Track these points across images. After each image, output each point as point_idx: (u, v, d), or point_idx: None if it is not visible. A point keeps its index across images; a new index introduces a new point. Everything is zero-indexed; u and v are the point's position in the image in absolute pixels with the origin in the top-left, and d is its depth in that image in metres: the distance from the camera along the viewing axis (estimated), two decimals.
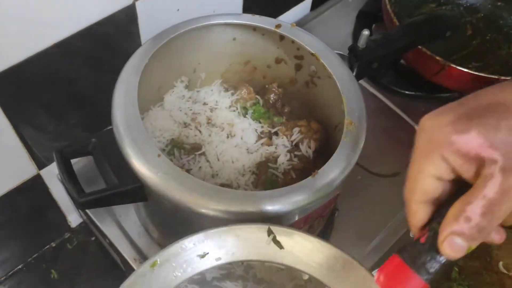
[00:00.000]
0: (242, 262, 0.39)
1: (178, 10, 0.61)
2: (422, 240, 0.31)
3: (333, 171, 0.44)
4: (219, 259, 0.39)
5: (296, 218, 0.45)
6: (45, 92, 0.54)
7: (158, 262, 0.37)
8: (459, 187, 0.31)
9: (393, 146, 0.71)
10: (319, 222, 0.51)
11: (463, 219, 0.28)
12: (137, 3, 0.55)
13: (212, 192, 0.42)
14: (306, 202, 0.43)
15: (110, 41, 0.56)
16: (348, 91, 0.50)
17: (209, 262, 0.39)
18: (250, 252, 0.39)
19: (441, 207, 0.31)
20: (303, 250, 0.39)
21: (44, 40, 0.49)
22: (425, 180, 0.31)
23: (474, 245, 0.29)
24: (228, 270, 0.40)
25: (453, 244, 0.29)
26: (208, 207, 0.42)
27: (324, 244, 0.39)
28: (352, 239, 0.63)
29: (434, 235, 0.30)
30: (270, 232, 0.39)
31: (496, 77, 0.66)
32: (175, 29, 0.53)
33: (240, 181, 0.51)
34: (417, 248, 0.31)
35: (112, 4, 0.52)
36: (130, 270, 0.58)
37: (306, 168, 0.53)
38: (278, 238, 0.39)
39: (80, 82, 0.57)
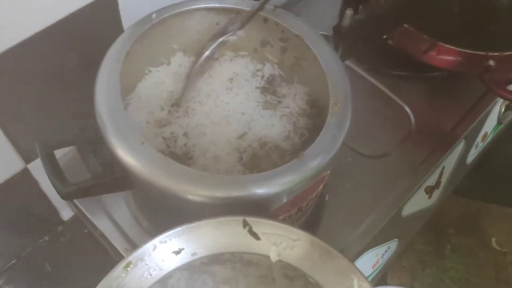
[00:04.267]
0: (222, 254, 0.39)
1: None
2: None
3: (319, 152, 0.44)
4: (195, 254, 0.39)
5: (284, 200, 0.45)
6: (27, 83, 0.53)
7: (132, 263, 0.37)
8: None
9: (383, 127, 0.71)
10: (308, 204, 0.51)
11: None
12: None
13: (197, 178, 0.42)
14: (293, 184, 0.43)
15: (91, 30, 0.55)
16: (332, 72, 0.50)
17: (185, 258, 0.38)
18: (226, 245, 0.39)
19: None
20: (280, 240, 0.39)
21: (23, 30, 0.48)
22: None
23: None
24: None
25: None
26: (194, 193, 0.42)
27: (301, 233, 0.39)
28: (343, 222, 0.63)
29: None
30: (245, 224, 0.39)
31: (484, 53, 0.65)
32: (156, 15, 0.52)
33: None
34: None
35: None
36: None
37: (293, 150, 0.53)
38: (254, 229, 0.39)
39: (64, 72, 0.56)
